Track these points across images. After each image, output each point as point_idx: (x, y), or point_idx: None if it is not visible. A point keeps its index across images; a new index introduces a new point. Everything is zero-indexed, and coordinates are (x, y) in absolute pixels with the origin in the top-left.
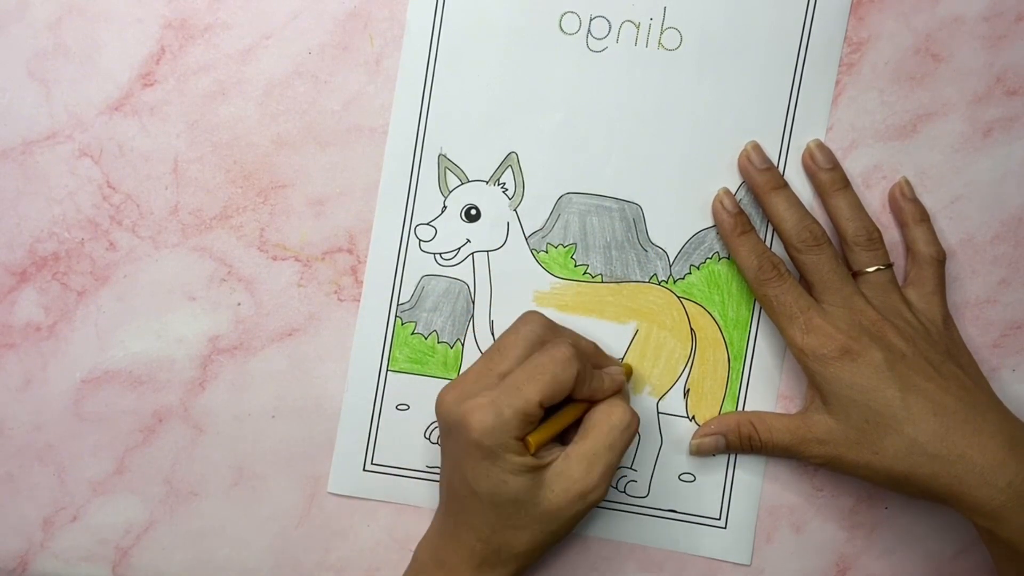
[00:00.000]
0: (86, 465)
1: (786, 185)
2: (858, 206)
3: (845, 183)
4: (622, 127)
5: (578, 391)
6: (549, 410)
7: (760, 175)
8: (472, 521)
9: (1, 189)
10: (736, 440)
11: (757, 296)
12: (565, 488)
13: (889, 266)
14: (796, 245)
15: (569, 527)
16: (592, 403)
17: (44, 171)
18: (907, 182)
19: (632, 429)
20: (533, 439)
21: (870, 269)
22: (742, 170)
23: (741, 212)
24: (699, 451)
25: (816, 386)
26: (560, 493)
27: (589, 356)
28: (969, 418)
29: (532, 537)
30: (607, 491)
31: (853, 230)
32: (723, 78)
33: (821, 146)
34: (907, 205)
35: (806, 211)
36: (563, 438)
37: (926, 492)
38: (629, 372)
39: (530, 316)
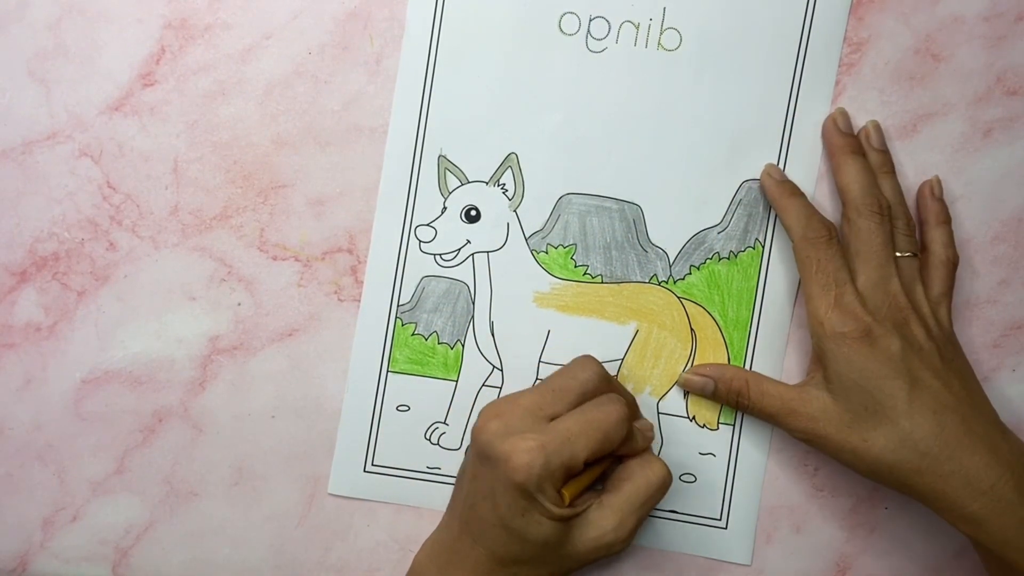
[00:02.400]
0: (86, 465)
1: (865, 154)
2: (901, 192)
3: (892, 168)
4: (622, 127)
5: (619, 448)
6: None
7: (842, 137)
8: (493, 547)
9: (1, 189)
10: (724, 392)
11: (799, 258)
12: (595, 538)
13: (917, 255)
14: (859, 208)
15: (584, 566)
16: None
17: (44, 171)
18: (939, 181)
19: (666, 487)
20: (568, 492)
21: (905, 254)
22: (825, 130)
23: (788, 179)
24: (686, 386)
25: (823, 363)
26: (589, 542)
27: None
28: (966, 418)
29: (550, 572)
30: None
31: (897, 211)
32: (723, 78)
33: (877, 127)
34: (934, 204)
35: (877, 183)
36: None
37: (906, 487)
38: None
39: (588, 363)
